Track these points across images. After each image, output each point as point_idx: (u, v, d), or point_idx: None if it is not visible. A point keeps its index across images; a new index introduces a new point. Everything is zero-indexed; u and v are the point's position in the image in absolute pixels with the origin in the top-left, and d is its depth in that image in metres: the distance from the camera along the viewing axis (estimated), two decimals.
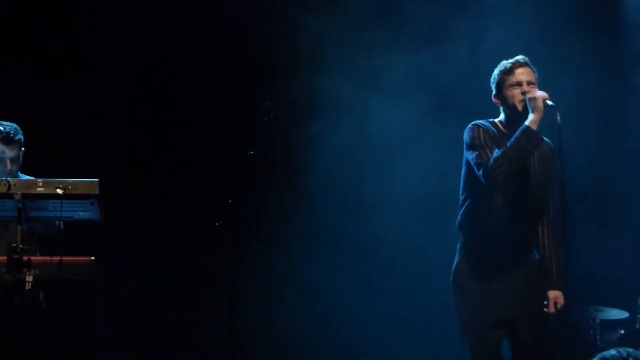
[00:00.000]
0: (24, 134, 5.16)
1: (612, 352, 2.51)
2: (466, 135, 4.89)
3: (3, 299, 4.23)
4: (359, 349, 6.86)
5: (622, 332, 7.51)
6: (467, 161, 4.90)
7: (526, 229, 4.90)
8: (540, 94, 4.72)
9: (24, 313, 4.33)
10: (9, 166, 5.05)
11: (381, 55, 6.86)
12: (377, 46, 6.95)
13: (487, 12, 6.78)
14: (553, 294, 4.87)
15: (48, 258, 4.33)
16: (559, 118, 4.68)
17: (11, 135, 5.05)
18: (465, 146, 4.91)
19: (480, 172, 4.73)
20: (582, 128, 7.03)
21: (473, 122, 4.92)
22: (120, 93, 6.74)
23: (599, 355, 2.54)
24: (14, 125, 5.13)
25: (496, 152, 4.69)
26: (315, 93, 6.84)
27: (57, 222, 4.88)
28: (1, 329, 4.35)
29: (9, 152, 5.06)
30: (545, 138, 4.98)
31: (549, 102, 4.71)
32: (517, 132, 4.68)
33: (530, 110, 4.70)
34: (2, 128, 5.04)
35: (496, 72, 4.94)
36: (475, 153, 4.78)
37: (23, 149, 5.19)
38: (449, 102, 6.74)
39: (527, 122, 4.68)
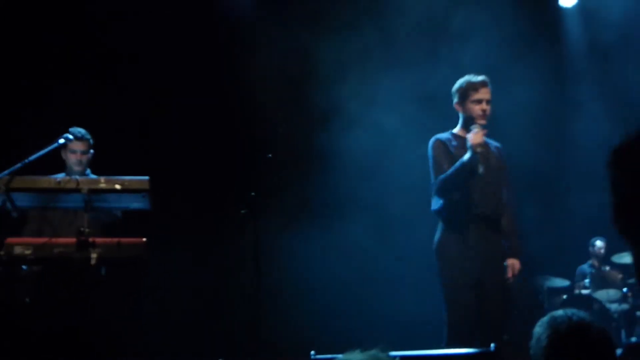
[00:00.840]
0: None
1: (560, 312, 2.54)
2: (429, 149, 5.02)
3: (73, 273, 4.38)
4: (380, 329, 6.40)
5: (565, 297, 7.67)
6: (430, 169, 5.04)
7: (491, 212, 4.98)
8: (476, 140, 4.78)
9: (90, 284, 4.48)
10: (80, 157, 5.32)
11: (380, 73, 6.92)
12: (377, 65, 6.99)
13: (462, 37, 6.87)
14: (511, 261, 4.94)
15: (109, 239, 4.43)
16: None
17: (82, 134, 5.32)
18: (429, 157, 5.03)
19: (433, 188, 4.95)
20: (531, 132, 7.13)
21: (436, 137, 5.03)
22: (163, 106, 6.77)
23: (549, 315, 2.56)
24: (84, 129, 5.38)
25: (442, 176, 4.86)
26: (330, 103, 6.85)
27: (115, 211, 5.04)
28: (72, 299, 4.52)
29: (81, 147, 5.32)
30: (496, 143, 5.10)
31: (479, 149, 4.78)
32: (457, 165, 4.82)
33: (469, 150, 4.79)
34: (75, 130, 5.30)
35: (462, 83, 4.97)
36: (432, 169, 4.97)
37: (92, 151, 5.41)
38: (436, 108, 6.71)
39: (464, 159, 4.80)
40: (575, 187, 7.62)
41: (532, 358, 2.54)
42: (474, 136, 4.82)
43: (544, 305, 7.48)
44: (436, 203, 5.03)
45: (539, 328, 2.55)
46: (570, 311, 2.53)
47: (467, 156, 4.82)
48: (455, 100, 5.02)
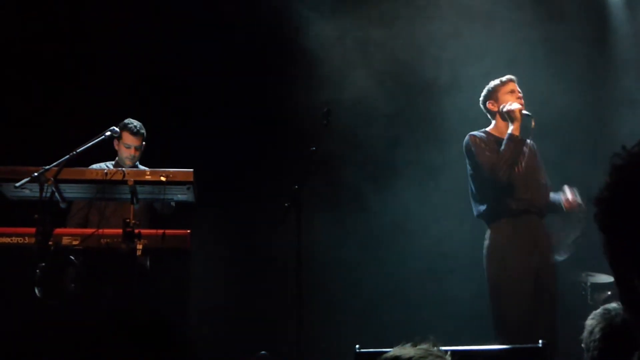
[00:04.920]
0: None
1: (614, 304, 2.49)
2: (466, 145, 4.93)
3: (120, 263, 4.40)
4: (428, 324, 6.19)
5: (609, 293, 7.51)
6: (472, 163, 4.92)
7: (538, 205, 4.89)
8: (515, 106, 4.80)
9: (136, 274, 4.49)
10: (133, 152, 5.32)
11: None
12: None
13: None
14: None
15: (154, 230, 4.48)
16: (533, 124, 4.80)
17: (137, 128, 5.32)
18: (467, 153, 4.94)
19: (487, 172, 4.80)
20: (574, 130, 6.85)
21: (470, 134, 4.97)
22: (210, 99, 6.71)
23: (602, 307, 2.52)
24: (140, 123, 5.38)
25: (494, 160, 4.76)
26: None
27: (171, 203, 5.03)
28: (119, 288, 4.54)
29: (135, 142, 5.33)
30: (527, 140, 4.94)
31: (524, 112, 4.81)
32: (505, 141, 4.76)
33: (510, 121, 4.80)
34: (131, 123, 5.32)
35: (491, 85, 4.99)
36: (478, 157, 4.84)
37: (144, 142, 5.41)
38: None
39: (509, 131, 4.78)
40: None
41: (584, 351, 2.48)
42: (511, 105, 4.82)
43: (587, 301, 7.33)
44: (479, 206, 4.94)
45: (592, 321, 2.51)
46: None
47: (512, 127, 4.79)
48: (488, 100, 5.00)
